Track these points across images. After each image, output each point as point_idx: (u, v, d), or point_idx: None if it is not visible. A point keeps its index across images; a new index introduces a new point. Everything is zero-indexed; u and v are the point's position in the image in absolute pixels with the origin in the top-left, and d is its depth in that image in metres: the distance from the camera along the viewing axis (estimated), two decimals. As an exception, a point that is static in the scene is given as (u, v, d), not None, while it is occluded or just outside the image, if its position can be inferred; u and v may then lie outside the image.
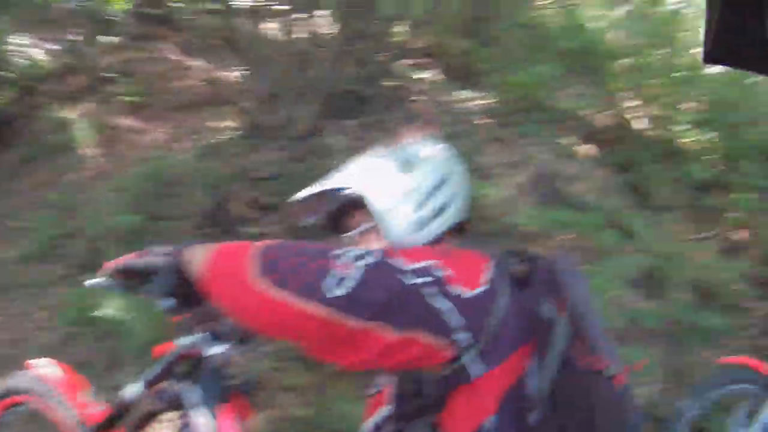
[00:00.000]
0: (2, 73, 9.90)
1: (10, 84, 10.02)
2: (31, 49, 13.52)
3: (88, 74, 9.59)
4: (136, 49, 9.79)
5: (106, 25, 11.75)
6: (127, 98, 8.31)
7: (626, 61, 9.32)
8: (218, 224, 4.64)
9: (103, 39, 10.47)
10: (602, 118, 7.53)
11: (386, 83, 7.19)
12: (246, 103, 6.40)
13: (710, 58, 1.11)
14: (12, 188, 7.74)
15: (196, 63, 9.08)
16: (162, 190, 5.26)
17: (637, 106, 7.60)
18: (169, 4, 10.55)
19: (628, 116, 7.44)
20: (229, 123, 7.18)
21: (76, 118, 8.58)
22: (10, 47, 11.08)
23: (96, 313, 4.37)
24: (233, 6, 7.05)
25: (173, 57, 9.53)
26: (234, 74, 7.30)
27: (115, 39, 10.28)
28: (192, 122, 7.62)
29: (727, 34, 1.02)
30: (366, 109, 6.29)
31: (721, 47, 1.06)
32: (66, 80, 9.81)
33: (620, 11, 11.61)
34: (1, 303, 5.60)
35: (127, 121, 7.89)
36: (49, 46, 13.72)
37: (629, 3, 11.11)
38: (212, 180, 5.00)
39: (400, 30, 8.11)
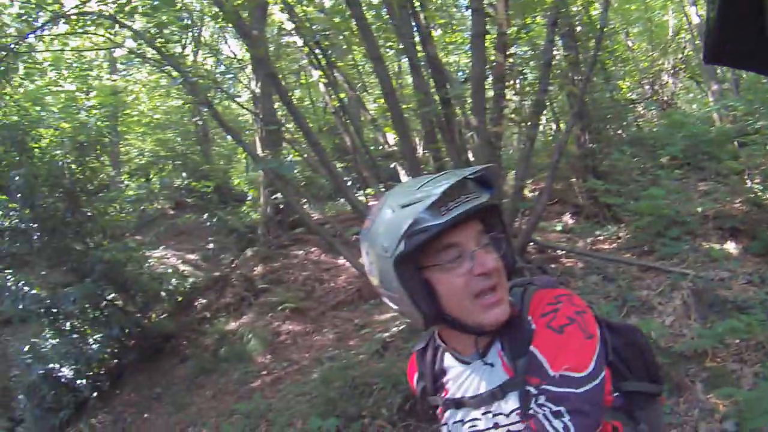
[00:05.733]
0: (156, 290, 10.36)
1: (165, 300, 10.79)
2: (170, 260, 14.84)
3: (242, 285, 10.44)
4: (283, 255, 10.63)
5: (240, 236, 12.89)
6: (286, 304, 8.86)
7: (739, 140, 9.20)
8: (414, 416, 4.76)
9: (249, 251, 11.48)
10: (735, 209, 7.40)
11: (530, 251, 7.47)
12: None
13: (710, 58, 1.11)
14: (192, 400, 8.23)
15: (343, 262, 9.71)
16: (347, 392, 5.45)
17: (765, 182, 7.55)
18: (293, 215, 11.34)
19: (760, 196, 7.32)
20: (391, 315, 7.46)
21: (240, 329, 9.33)
22: (151, 261, 12.29)
23: None
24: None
25: (319, 259, 10.23)
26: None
27: (262, 249, 11.25)
28: (354, 319, 8.03)
29: (727, 34, 1.03)
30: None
31: (721, 47, 1.07)
32: (223, 292, 10.67)
33: (714, 94, 11.58)
34: None
35: (291, 326, 8.37)
36: (189, 256, 15.06)
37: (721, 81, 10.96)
38: (394, 377, 5.16)
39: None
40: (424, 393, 1.56)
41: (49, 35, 9.67)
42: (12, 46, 8.09)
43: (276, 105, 11.04)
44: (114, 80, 14.09)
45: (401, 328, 6.30)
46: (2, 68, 8.30)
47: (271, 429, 6.05)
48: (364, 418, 5.02)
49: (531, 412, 1.30)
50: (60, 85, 11.08)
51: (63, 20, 8.04)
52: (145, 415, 8.44)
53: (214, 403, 7.71)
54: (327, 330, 7.98)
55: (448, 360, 1.49)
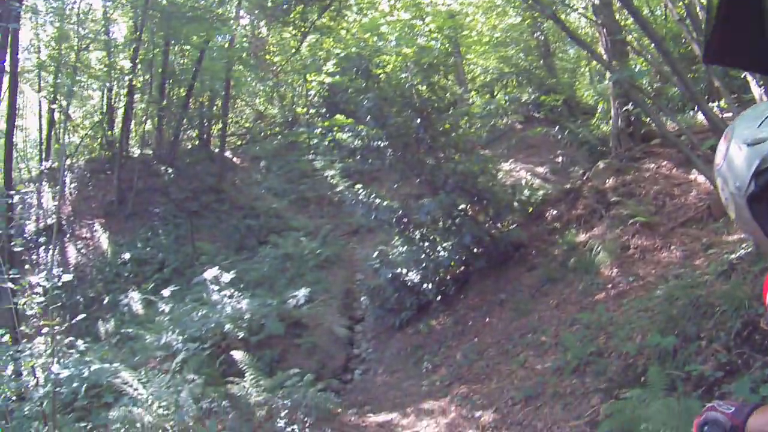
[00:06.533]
0: (509, 200, 10.87)
1: (517, 210, 11.28)
2: (519, 173, 15.37)
3: (594, 197, 10.51)
4: (634, 169, 10.37)
5: (591, 149, 12.73)
6: (636, 218, 8.76)
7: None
8: (750, 344, 4.61)
9: (601, 164, 11.40)
10: None
11: None
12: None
13: (710, 58, 1.09)
14: (535, 307, 8.79)
15: (694, 177, 9.18)
16: (689, 311, 5.42)
17: None
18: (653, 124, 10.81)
19: None
20: (739, 236, 7.00)
21: (589, 241, 9.54)
22: (500, 174, 12.94)
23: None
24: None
25: (670, 173, 9.77)
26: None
27: (613, 161, 11.09)
28: (702, 238, 7.69)
29: (727, 34, 1.01)
30: None
31: (721, 47, 1.05)
32: (574, 204, 10.88)
33: None
34: (530, 411, 6.26)
35: (639, 241, 8.33)
36: (538, 169, 15.45)
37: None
38: (738, 300, 4.98)
39: None
40: None
41: None
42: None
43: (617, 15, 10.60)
44: (449, 5, 14.77)
45: (749, 250, 5.91)
46: (335, 6, 9.34)
47: (610, 341, 6.32)
48: (702, 340, 4.99)
49: None
50: (392, 15, 11.97)
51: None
52: (487, 319, 9.22)
53: (556, 312, 8.17)
54: (674, 247, 7.77)
55: None
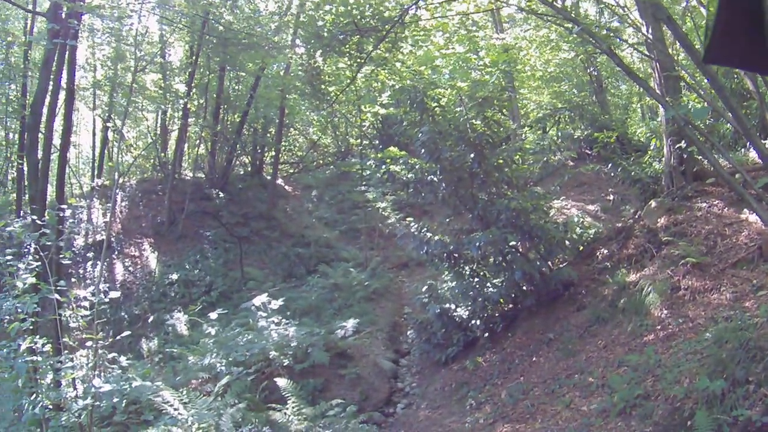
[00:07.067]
0: (561, 238, 10.66)
1: (568, 248, 11.17)
2: (570, 210, 15.20)
3: (645, 236, 10.32)
4: (686, 208, 10.16)
5: (643, 187, 12.50)
6: (687, 259, 8.53)
7: None
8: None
9: (653, 202, 11.19)
10: None
11: None
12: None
13: (710, 58, 1.12)
14: (582, 348, 8.63)
15: (746, 216, 8.94)
16: (738, 355, 5.27)
17: None
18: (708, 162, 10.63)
19: None
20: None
21: (640, 281, 9.32)
22: (552, 211, 12.72)
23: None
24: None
25: (722, 212, 9.54)
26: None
27: (666, 200, 10.88)
28: (752, 279, 7.46)
29: (727, 35, 1.03)
30: None
31: (721, 47, 1.07)
32: (626, 243, 10.69)
33: None
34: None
35: (689, 282, 8.12)
36: (589, 207, 15.29)
37: None
38: (791, 344, 4.85)
39: None
40: None
41: (432, 4, 10.65)
42: (397, 18, 9.19)
43: (670, 50, 10.51)
44: (502, 38, 14.86)
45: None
46: (390, 38, 9.48)
47: (658, 384, 6.17)
48: (750, 384, 4.86)
49: None
50: (447, 48, 12.08)
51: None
52: (533, 358, 9.10)
53: (604, 353, 8.01)
54: (725, 288, 7.56)
55: None
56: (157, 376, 9.18)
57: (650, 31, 10.19)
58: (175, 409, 7.31)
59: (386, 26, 10.95)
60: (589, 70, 17.36)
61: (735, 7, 1.05)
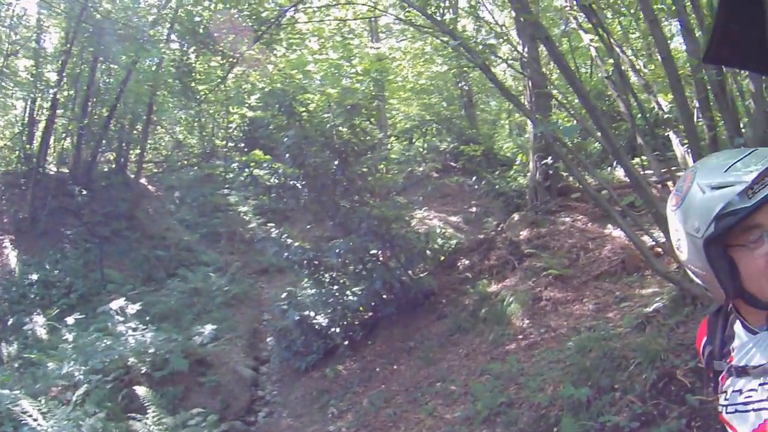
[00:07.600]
0: (422, 248, 10.71)
1: (429, 258, 11.24)
2: (432, 221, 15.49)
3: (507, 248, 10.56)
4: (550, 222, 10.54)
5: (507, 201, 12.93)
6: (549, 271, 8.78)
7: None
8: (666, 395, 4.56)
9: (516, 216, 11.54)
10: None
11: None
12: (672, 271, 6.25)
13: (710, 58, 1.12)
14: (444, 356, 8.60)
15: (609, 231, 9.35)
16: (603, 363, 5.36)
17: None
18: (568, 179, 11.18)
19: None
20: (653, 290, 7.10)
21: (501, 292, 9.48)
22: (414, 221, 12.82)
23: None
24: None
25: (585, 227, 9.97)
26: (650, 241, 7.33)
27: (529, 214, 11.23)
28: (615, 291, 7.76)
29: (727, 35, 1.04)
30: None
31: (721, 47, 1.08)
32: (487, 254, 10.90)
33: None
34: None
35: (551, 293, 8.34)
36: (452, 218, 15.63)
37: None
38: (653, 353, 4.96)
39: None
40: (710, 357, 1.60)
41: (311, 7, 10.45)
42: (274, 19, 8.94)
43: (544, 69, 10.89)
44: (377, 48, 14.89)
45: (663, 303, 5.97)
46: (265, 40, 9.20)
47: (521, 392, 6.19)
48: (616, 392, 4.94)
49: None
50: (321, 54, 11.96)
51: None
52: (395, 366, 9.02)
53: (466, 362, 8.03)
54: (587, 299, 7.83)
55: (738, 328, 1.51)
56: (17, 384, 8.34)
57: (526, 50, 10.50)
58: (35, 420, 6.69)
59: (263, 27, 10.63)
60: (460, 85, 17.75)
61: (735, 7, 1.03)
